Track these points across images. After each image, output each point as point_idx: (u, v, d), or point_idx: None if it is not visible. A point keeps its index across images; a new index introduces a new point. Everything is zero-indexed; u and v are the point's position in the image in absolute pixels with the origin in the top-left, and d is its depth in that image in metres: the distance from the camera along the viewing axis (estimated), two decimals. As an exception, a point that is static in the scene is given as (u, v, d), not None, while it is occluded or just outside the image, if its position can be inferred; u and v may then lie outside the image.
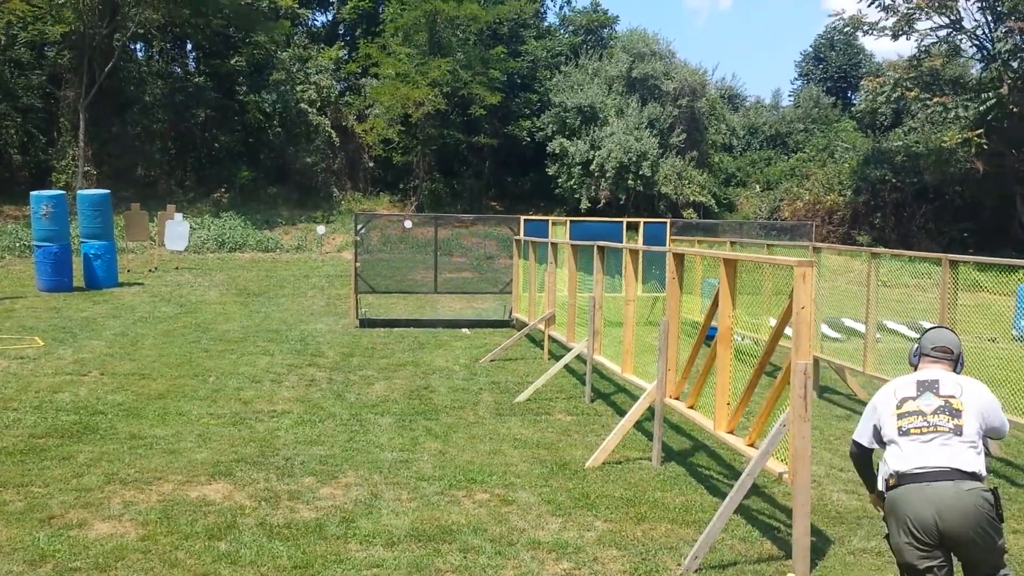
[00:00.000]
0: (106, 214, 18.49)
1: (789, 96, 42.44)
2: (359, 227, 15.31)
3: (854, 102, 40.19)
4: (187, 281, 19.76)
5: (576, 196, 29.93)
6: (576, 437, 8.35)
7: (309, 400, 9.55)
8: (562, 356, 12.34)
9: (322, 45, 35.83)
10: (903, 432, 3.82)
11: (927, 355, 4.09)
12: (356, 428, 8.43)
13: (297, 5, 35.48)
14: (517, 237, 15.26)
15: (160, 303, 16.71)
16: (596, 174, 29.24)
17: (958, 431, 3.73)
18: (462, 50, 30.40)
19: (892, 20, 25.17)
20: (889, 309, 10.29)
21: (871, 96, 25.70)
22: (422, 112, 28.94)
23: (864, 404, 5.26)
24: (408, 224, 22.59)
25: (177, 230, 20.87)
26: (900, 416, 3.87)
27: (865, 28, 26.27)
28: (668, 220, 15.97)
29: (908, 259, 10.20)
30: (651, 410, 7.59)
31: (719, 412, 6.41)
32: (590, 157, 29.45)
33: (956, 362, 4.08)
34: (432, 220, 17.42)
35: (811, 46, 43.49)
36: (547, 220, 15.77)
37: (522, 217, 15.63)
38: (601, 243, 10.29)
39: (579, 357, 10.79)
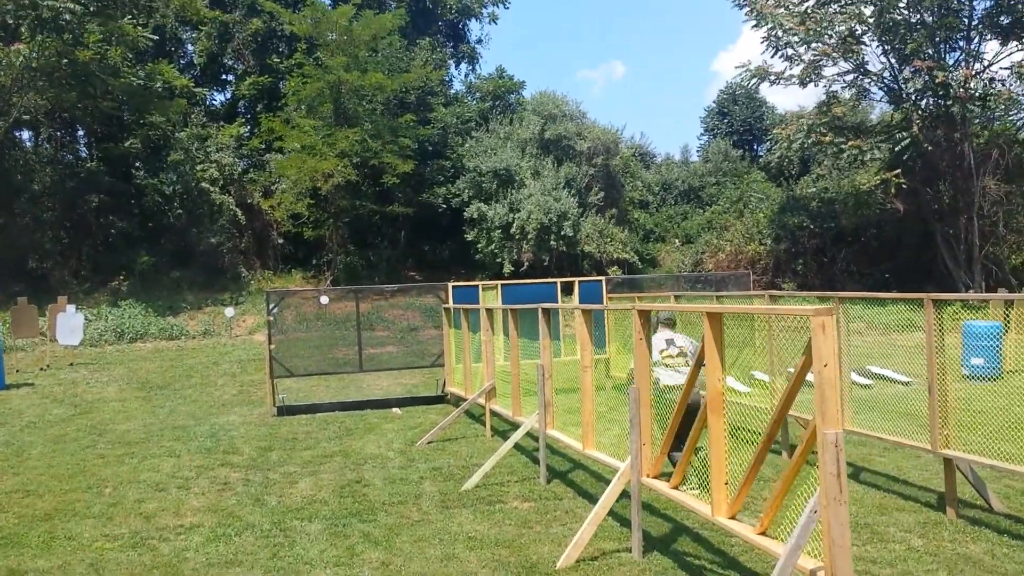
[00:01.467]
0: (-14, 310, 16.72)
1: (697, 151, 42.92)
2: (271, 306, 14.00)
3: (761, 153, 40.83)
4: (83, 378, 17.98)
5: (498, 260, 29.10)
6: (539, 529, 7.24)
7: (223, 508, 8.21)
8: (507, 432, 11.29)
9: (221, 123, 34.55)
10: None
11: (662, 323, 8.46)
12: (280, 540, 7.17)
13: (193, 84, 34.29)
14: (446, 305, 14.20)
15: (52, 405, 14.98)
16: (517, 236, 28.51)
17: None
18: (369, 120, 29.56)
19: (799, 68, 25.42)
20: (864, 356, 9.57)
21: (784, 144, 25.77)
22: (332, 184, 27.83)
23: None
24: (324, 300, 21.30)
25: (70, 323, 19.11)
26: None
27: (772, 78, 26.46)
28: (603, 278, 15.13)
29: (871, 302, 9.50)
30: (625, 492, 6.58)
31: (717, 494, 5.41)
32: (510, 220, 28.74)
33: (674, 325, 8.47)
34: (351, 293, 16.15)
35: (715, 102, 44.27)
36: (477, 285, 14.75)
37: (450, 284, 14.57)
38: (546, 305, 9.32)
39: (529, 433, 9.73)
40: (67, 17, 21.56)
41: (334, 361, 17.83)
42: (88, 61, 24.55)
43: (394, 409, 13.85)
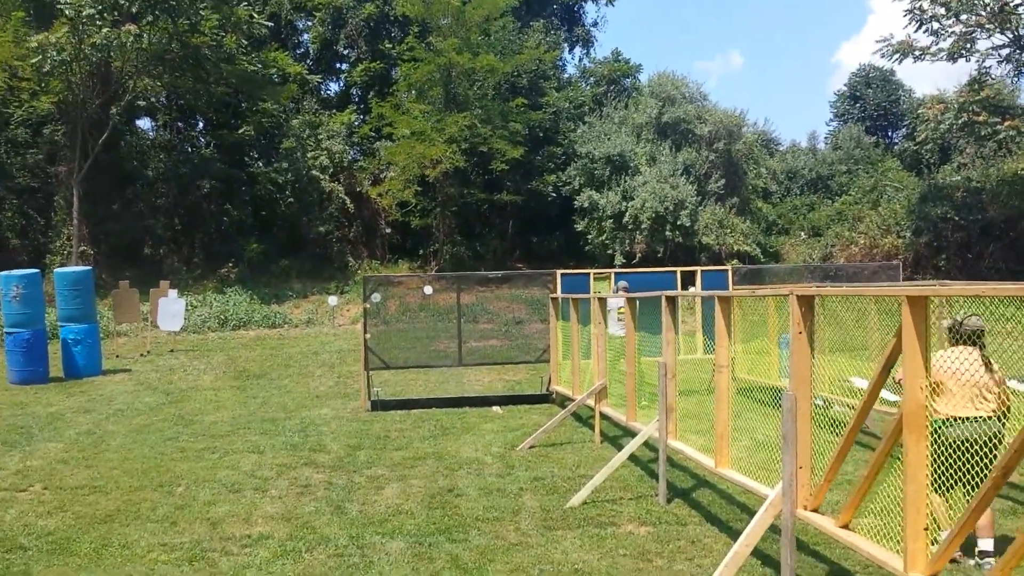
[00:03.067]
0: (86, 294, 16.41)
1: (826, 138, 40.28)
2: (368, 293, 13.05)
3: (896, 140, 37.99)
4: (180, 365, 17.57)
5: (609, 252, 27.63)
6: (660, 563, 5.96)
7: (298, 517, 7.24)
8: (619, 439, 10.01)
9: (333, 111, 34.29)
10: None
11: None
12: (355, 560, 6.13)
13: (306, 72, 34.14)
14: (554, 295, 12.95)
15: (144, 392, 14.50)
16: (630, 227, 26.97)
17: None
18: (480, 104, 28.56)
19: (948, 42, 22.95)
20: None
21: (931, 125, 23.36)
22: (440, 170, 26.96)
23: None
24: (428, 290, 20.42)
25: (171, 308, 18.78)
26: None
27: (917, 53, 24.08)
28: (729, 268, 13.59)
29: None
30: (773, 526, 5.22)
31: (913, 543, 3.98)
32: (622, 209, 27.22)
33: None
34: (454, 282, 15.08)
35: (846, 85, 41.50)
36: (588, 273, 13.45)
37: (559, 272, 13.32)
38: (672, 293, 7.97)
39: (647, 442, 8.39)
40: (181, -3, 21.34)
41: (433, 354, 16.84)
42: (200, 44, 24.38)
43: (494, 408, 12.72)
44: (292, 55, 34.87)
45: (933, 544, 4.01)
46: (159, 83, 27.79)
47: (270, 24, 30.60)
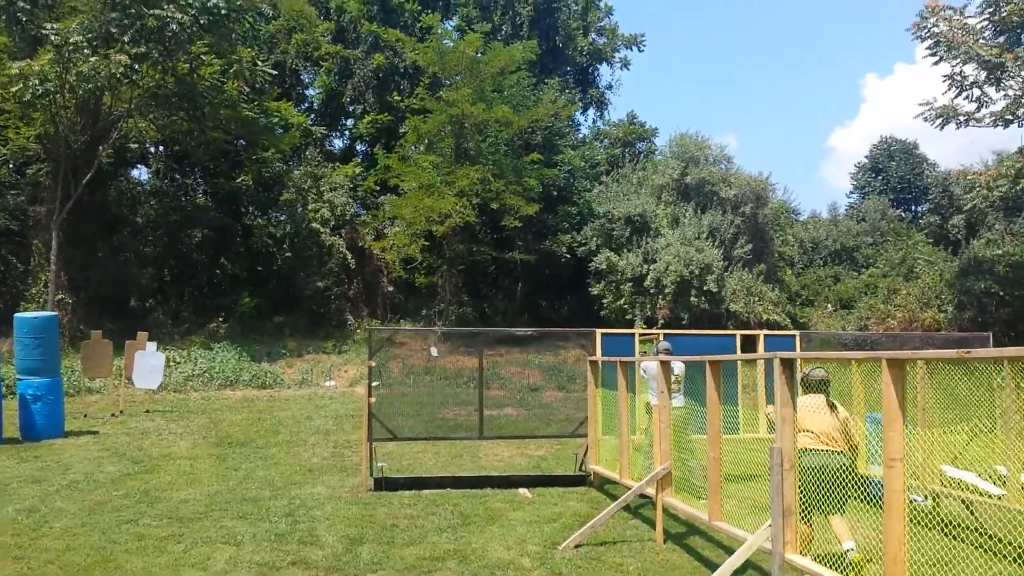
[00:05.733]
0: (50, 343, 14.35)
1: (846, 210, 38.76)
2: (375, 349, 11.07)
3: (920, 212, 36.55)
4: (155, 428, 15.44)
5: (628, 317, 25.67)
6: None
7: (280, 650, 5.17)
8: (683, 537, 8.08)
9: (336, 164, 32.76)
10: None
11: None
12: None
13: (310, 123, 32.71)
14: (593, 358, 10.99)
15: (108, 459, 12.37)
16: (652, 291, 25.08)
17: None
18: (492, 158, 26.96)
19: (1001, 105, 21.49)
20: None
21: (983, 191, 21.77)
22: (449, 225, 25.17)
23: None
24: (435, 352, 18.47)
25: (149, 363, 16.71)
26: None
27: (961, 119, 22.64)
28: (796, 333, 11.67)
29: None
30: None
31: None
32: (643, 272, 25.38)
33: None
34: (474, 339, 13.12)
35: (866, 157, 40.18)
36: (633, 334, 11.51)
37: (599, 331, 11.36)
38: (784, 354, 6.05)
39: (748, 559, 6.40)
40: (174, 28, 19.73)
41: (445, 424, 14.85)
42: (195, 82, 22.78)
43: (522, 490, 10.64)
44: (296, 107, 33.51)
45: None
46: (152, 126, 26.10)
47: (274, 72, 29.16)
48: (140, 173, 31.38)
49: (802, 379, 7.28)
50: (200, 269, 29.40)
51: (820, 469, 6.54)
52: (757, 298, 25.56)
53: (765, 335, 11.51)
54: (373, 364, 10.89)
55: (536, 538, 8.33)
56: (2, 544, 7.77)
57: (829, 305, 29.93)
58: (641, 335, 11.59)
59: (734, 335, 11.63)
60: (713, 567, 7.36)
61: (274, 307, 28.11)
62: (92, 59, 18.96)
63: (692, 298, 24.57)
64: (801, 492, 6.07)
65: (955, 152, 71.80)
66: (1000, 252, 26.00)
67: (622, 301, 26.04)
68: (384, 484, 10.50)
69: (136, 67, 19.75)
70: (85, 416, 16.38)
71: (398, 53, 32.27)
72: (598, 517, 8.44)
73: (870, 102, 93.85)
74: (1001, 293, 24.76)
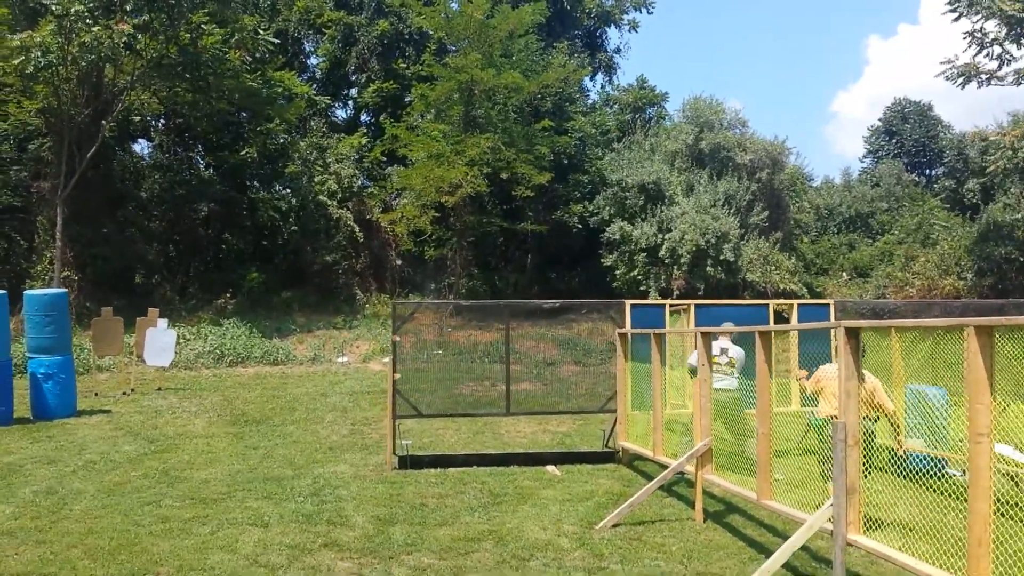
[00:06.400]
0: (61, 320, 13.99)
1: (859, 175, 38.10)
2: (398, 323, 10.67)
3: (936, 176, 35.94)
4: (169, 406, 15.11)
5: (642, 288, 25.19)
6: None
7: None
8: (722, 515, 7.80)
9: (342, 134, 32.14)
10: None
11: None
12: None
13: (314, 92, 32.03)
14: (622, 330, 10.59)
15: (123, 439, 12.06)
16: (667, 260, 24.58)
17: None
18: (502, 126, 26.34)
19: (1017, 65, 20.95)
20: None
21: (1007, 152, 21.22)
22: (460, 196, 24.62)
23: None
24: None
25: (161, 341, 16.35)
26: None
27: (984, 77, 22.06)
28: (830, 302, 11.26)
29: None
30: None
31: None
32: (658, 242, 24.85)
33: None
34: (502, 310, 12.72)
35: (880, 120, 39.44)
36: (663, 304, 11.10)
37: (628, 302, 10.96)
38: (850, 323, 5.66)
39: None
40: (177, -7, 19.13)
41: (464, 400, 14.52)
42: (199, 52, 22.17)
43: (549, 468, 10.31)
44: (300, 76, 32.81)
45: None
46: (155, 99, 25.51)
47: (276, 41, 28.44)
48: (143, 147, 30.92)
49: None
50: (206, 244, 28.95)
51: None
52: (774, 267, 25.05)
53: (799, 304, 11.09)
54: (398, 339, 10.51)
55: (571, 517, 8.05)
56: (23, 527, 7.52)
57: (844, 274, 29.42)
58: (671, 306, 11.18)
59: (767, 304, 11.22)
60: (758, 547, 7.06)
61: (281, 282, 27.69)
62: (94, 29, 18.38)
63: (708, 268, 24.08)
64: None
65: (966, 113, 70.95)
66: (1020, 216, 25.45)
67: (636, 272, 25.57)
68: (409, 462, 10.18)
69: (139, 36, 19.15)
70: (96, 395, 16.06)
71: (403, 19, 31.55)
72: (636, 496, 8.12)
73: (874, 64, 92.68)
74: (1022, 259, 24.26)
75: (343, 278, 28.95)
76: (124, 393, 16.25)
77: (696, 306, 11.03)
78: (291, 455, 11.00)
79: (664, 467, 8.51)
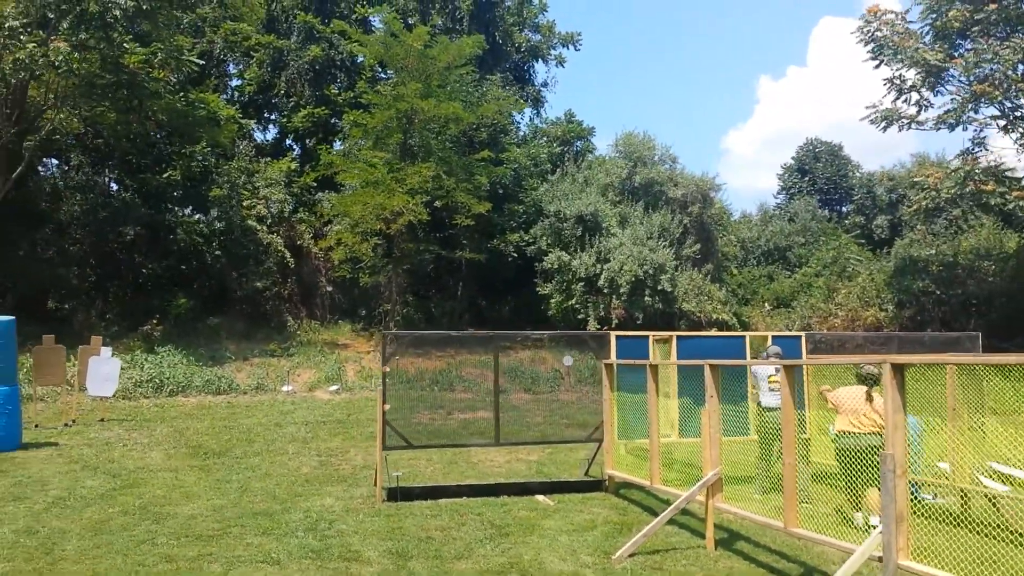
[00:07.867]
0: (8, 349, 13.24)
1: (774, 210, 39.62)
2: (388, 353, 10.51)
3: (846, 212, 37.68)
4: (117, 438, 14.41)
5: (580, 317, 25.47)
6: None
7: None
8: (733, 542, 7.99)
9: (269, 158, 31.52)
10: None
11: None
12: None
13: (240, 116, 31.34)
14: (608, 361, 10.73)
15: (84, 474, 11.45)
16: (606, 290, 24.95)
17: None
18: (441, 154, 26.36)
19: (945, 109, 22.24)
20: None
21: (931, 192, 22.39)
22: (402, 223, 24.44)
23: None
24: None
25: (104, 370, 15.61)
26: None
27: (903, 122, 23.34)
28: (802, 334, 11.68)
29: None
30: None
31: None
32: (597, 271, 25.21)
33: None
34: (488, 341, 12.70)
35: (793, 158, 41.18)
36: (647, 336, 11.28)
37: (613, 333, 11.10)
38: (896, 358, 5.91)
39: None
40: (116, 14, 18.44)
41: (457, 430, 14.38)
42: (136, 71, 21.40)
43: (540, 497, 10.29)
44: (223, 97, 32.07)
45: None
46: (79, 117, 24.42)
47: (201, 62, 27.70)
48: (57, 168, 29.52)
49: (857, 373, 8.76)
50: (126, 269, 27.82)
51: (854, 449, 7.90)
52: (707, 297, 25.77)
53: (772, 336, 11.45)
54: (387, 370, 10.34)
55: (584, 548, 8.05)
56: (18, 571, 7.06)
57: (767, 304, 30.45)
58: (655, 337, 11.38)
59: (743, 336, 11.54)
60: (779, 573, 7.21)
61: (203, 308, 26.78)
62: (29, 46, 17.54)
63: (647, 298, 24.55)
64: (841, 468, 8.09)
65: (856, 151, 74.59)
66: (933, 252, 26.87)
67: (573, 301, 25.85)
68: (399, 494, 10.00)
69: (75, 55, 18.37)
70: (36, 426, 15.19)
71: (334, 45, 31.30)
72: (651, 525, 8.18)
73: (763, 103, 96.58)
74: (938, 292, 25.58)
75: (271, 303, 28.30)
76: (66, 424, 15.43)
77: (678, 338, 11.26)
78: (269, 488, 10.65)
79: (661, 496, 8.64)
